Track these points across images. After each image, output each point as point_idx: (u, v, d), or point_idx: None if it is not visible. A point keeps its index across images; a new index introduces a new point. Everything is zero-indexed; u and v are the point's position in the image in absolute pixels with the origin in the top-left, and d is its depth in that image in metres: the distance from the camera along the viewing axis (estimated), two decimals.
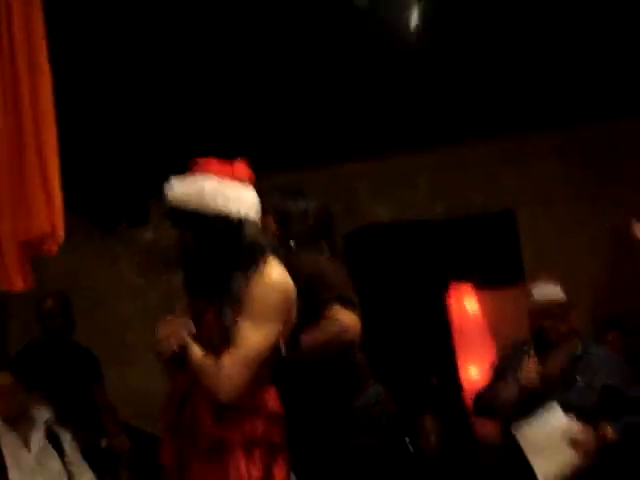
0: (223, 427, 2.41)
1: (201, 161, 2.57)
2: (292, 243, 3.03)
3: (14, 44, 2.33)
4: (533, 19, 4.12)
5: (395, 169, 5.99)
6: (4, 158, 2.31)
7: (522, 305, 4.09)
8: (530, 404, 3.75)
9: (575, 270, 5.42)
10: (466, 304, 5.77)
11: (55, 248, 2.35)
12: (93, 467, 3.93)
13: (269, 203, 2.78)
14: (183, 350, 2.47)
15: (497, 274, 5.80)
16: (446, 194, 5.96)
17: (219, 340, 2.44)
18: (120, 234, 6.07)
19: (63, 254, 2.45)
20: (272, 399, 2.52)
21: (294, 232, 3.13)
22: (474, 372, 5.46)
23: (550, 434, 3.67)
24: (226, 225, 2.48)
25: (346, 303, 3.01)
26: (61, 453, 3.78)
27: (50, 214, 2.30)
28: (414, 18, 3.85)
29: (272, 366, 2.52)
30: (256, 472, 2.40)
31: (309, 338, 2.95)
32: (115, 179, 5.38)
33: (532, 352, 3.81)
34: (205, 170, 2.53)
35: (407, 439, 4.74)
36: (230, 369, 2.38)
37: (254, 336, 2.40)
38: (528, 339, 3.95)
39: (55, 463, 3.74)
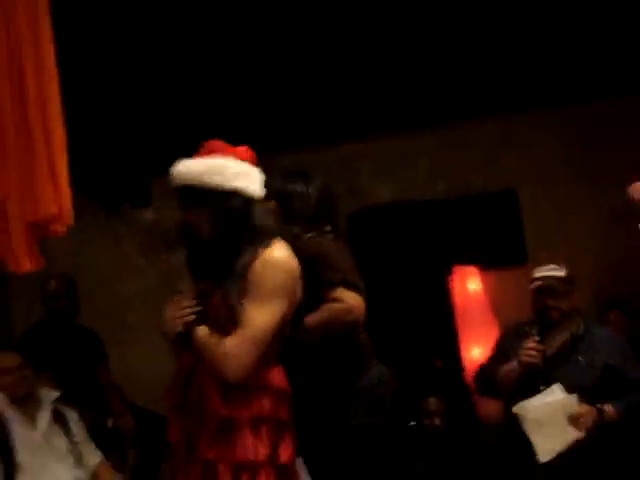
0: (230, 406, 2.43)
1: (209, 143, 2.59)
2: (296, 230, 3.03)
3: (20, 29, 2.33)
4: None
5: (397, 149, 5.99)
6: (11, 140, 2.30)
7: (524, 286, 4.11)
8: (531, 383, 3.78)
9: (577, 250, 5.43)
10: (468, 285, 5.78)
11: (62, 229, 2.34)
12: (99, 446, 3.95)
13: (271, 185, 2.78)
14: (189, 330, 2.48)
15: (500, 254, 5.80)
16: (448, 174, 5.97)
17: (225, 320, 2.45)
18: (123, 214, 6.08)
19: (66, 235, 2.45)
20: (278, 377, 2.54)
21: (296, 214, 3.12)
22: (477, 353, 5.48)
23: (550, 412, 3.69)
24: (241, 203, 2.51)
25: (350, 286, 3.02)
26: (68, 433, 3.79)
27: (57, 195, 2.30)
28: None
29: (279, 344, 2.54)
30: (263, 449, 2.42)
31: (312, 318, 2.97)
32: (118, 159, 5.38)
33: (535, 331, 3.83)
34: (214, 151, 2.55)
35: (412, 422, 4.78)
36: (238, 349, 2.40)
37: (260, 315, 2.42)
38: (531, 320, 3.97)
39: (62, 442, 3.75)
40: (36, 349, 4.43)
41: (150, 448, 4.66)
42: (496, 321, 5.53)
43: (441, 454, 4.72)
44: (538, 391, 3.76)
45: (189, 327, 2.49)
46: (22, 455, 3.60)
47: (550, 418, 3.69)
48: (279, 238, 2.53)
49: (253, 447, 2.41)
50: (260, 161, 2.64)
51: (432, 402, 4.85)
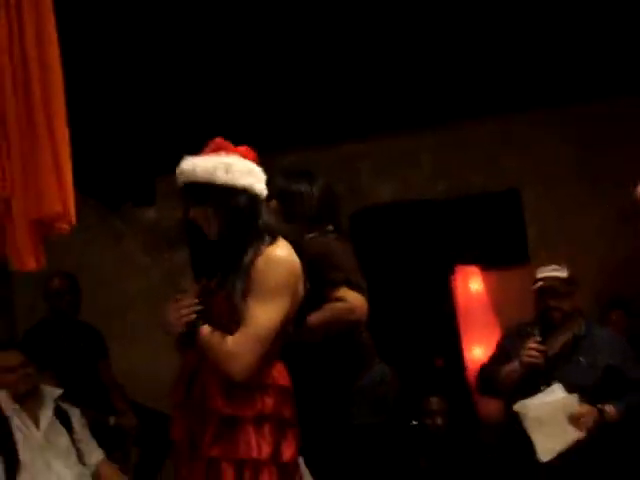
0: (233, 404, 2.43)
1: (215, 141, 2.60)
2: (299, 229, 3.03)
3: (24, 23, 2.33)
4: None
5: (397, 149, 5.99)
6: (16, 138, 2.31)
7: (527, 285, 4.12)
8: (532, 383, 3.79)
9: (578, 250, 5.43)
10: (470, 284, 5.78)
11: (67, 227, 2.35)
12: (101, 444, 3.96)
13: (274, 185, 2.79)
14: (192, 330, 2.49)
15: (501, 254, 5.80)
16: (448, 174, 5.97)
17: (229, 319, 2.46)
18: (125, 213, 6.09)
19: (69, 233, 2.46)
20: (281, 375, 2.54)
21: (298, 214, 3.13)
22: (478, 353, 5.48)
23: (551, 412, 3.71)
24: (248, 201, 2.52)
25: (353, 286, 3.03)
26: (70, 430, 3.79)
27: (62, 193, 2.30)
28: None
29: (281, 343, 2.54)
30: (266, 447, 2.42)
31: (315, 317, 2.97)
32: (122, 158, 5.39)
33: (536, 331, 3.84)
34: (221, 149, 2.56)
35: (414, 422, 4.79)
36: (242, 348, 2.40)
37: (264, 313, 2.42)
38: (533, 321, 3.98)
39: (64, 440, 3.76)
40: (39, 347, 4.45)
41: (152, 446, 4.68)
42: (498, 321, 5.53)
43: (443, 454, 4.73)
44: (539, 391, 3.77)
45: (192, 326, 2.49)
46: (24, 453, 3.59)
47: (551, 417, 3.70)
48: (282, 237, 2.54)
49: (256, 445, 2.41)
50: (261, 161, 2.65)
51: (434, 402, 4.85)
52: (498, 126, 5.83)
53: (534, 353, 3.77)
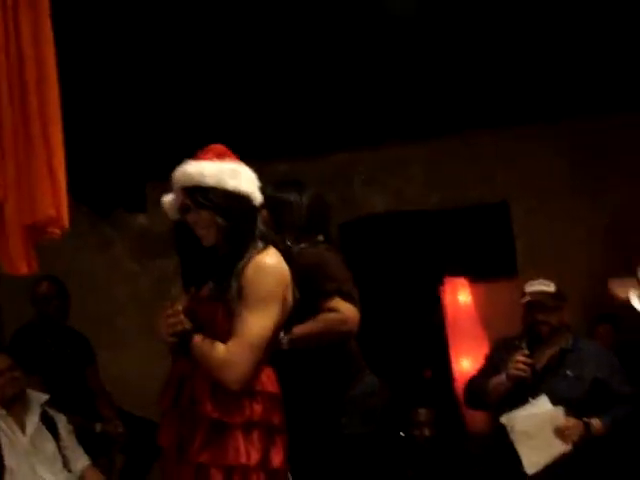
0: (222, 410, 2.43)
1: (216, 146, 2.60)
2: (288, 239, 3.03)
3: (20, 34, 2.33)
4: (530, 13, 4.14)
5: (390, 159, 6.01)
6: (10, 142, 2.31)
7: (515, 298, 4.13)
8: (519, 396, 3.80)
9: (567, 264, 5.46)
10: (459, 296, 5.80)
11: (59, 232, 2.35)
12: (87, 451, 3.95)
13: (264, 194, 2.79)
14: (183, 339, 2.48)
15: (491, 266, 5.82)
16: (440, 185, 5.99)
17: (221, 328, 2.45)
18: (115, 219, 6.08)
19: (59, 239, 2.45)
20: (270, 381, 2.53)
21: (287, 223, 3.13)
22: (466, 364, 5.49)
23: (538, 424, 3.72)
24: (250, 207, 2.54)
25: (346, 296, 3.04)
26: (56, 437, 3.79)
27: (55, 198, 2.31)
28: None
29: (271, 350, 2.54)
30: (255, 453, 2.42)
31: (307, 327, 2.97)
32: (112, 164, 5.38)
33: (524, 345, 3.86)
34: (223, 155, 2.57)
35: (402, 433, 4.79)
36: (236, 356, 2.40)
37: (256, 321, 2.42)
38: (520, 334, 3.99)
39: (50, 446, 3.75)
40: (26, 351, 4.42)
41: (138, 453, 4.66)
42: (485, 333, 5.55)
43: (430, 464, 4.73)
44: (526, 403, 3.78)
45: (183, 336, 2.48)
46: (9, 458, 3.59)
47: (537, 430, 3.71)
48: (272, 246, 2.54)
49: (245, 451, 2.40)
50: (253, 169, 2.66)
51: (422, 413, 4.85)
52: (491, 139, 5.85)
53: (521, 366, 3.78)
